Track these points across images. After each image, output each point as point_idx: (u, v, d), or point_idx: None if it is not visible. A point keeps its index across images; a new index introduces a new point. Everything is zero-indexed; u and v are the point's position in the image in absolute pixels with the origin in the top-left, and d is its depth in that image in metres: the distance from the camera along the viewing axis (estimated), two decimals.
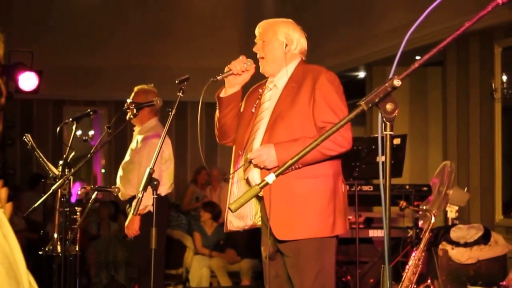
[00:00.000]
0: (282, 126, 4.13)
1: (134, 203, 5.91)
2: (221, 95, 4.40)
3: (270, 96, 4.30)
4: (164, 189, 6.28)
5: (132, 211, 5.94)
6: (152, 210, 6.10)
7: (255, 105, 4.35)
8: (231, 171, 4.32)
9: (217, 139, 4.59)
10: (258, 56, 4.36)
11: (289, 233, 4.12)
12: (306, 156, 3.90)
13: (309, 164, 4.04)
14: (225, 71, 4.28)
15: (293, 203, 4.08)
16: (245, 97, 4.49)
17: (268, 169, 4.02)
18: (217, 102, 4.44)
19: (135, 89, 6.38)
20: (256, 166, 4.10)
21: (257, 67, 4.36)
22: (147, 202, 5.91)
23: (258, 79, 4.50)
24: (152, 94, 6.16)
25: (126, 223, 6.16)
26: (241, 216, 4.31)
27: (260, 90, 4.41)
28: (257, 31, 4.41)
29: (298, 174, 4.05)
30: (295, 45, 4.32)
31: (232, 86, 4.36)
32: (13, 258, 1.48)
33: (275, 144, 4.01)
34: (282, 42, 4.29)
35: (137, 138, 6.34)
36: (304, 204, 4.08)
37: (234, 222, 4.33)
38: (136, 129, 6.44)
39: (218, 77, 4.22)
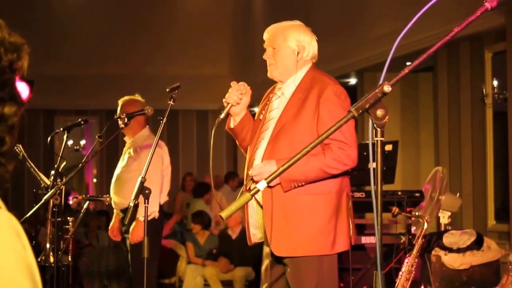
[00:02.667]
0: (285, 140, 4.07)
1: (140, 210, 5.94)
2: (231, 126, 4.34)
3: (278, 104, 4.23)
4: (163, 196, 6.30)
5: (138, 217, 5.97)
6: (156, 217, 6.13)
7: (263, 112, 4.30)
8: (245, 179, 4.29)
9: None
10: (268, 63, 4.26)
11: (288, 249, 4.08)
12: (310, 174, 3.93)
13: (313, 182, 4.00)
14: (224, 106, 4.20)
15: (293, 219, 4.04)
16: (260, 102, 4.43)
17: (270, 187, 3.97)
18: (231, 134, 4.39)
19: (121, 101, 6.33)
20: (257, 182, 4.06)
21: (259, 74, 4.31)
22: (153, 208, 5.95)
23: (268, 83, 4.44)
24: (140, 104, 6.15)
25: (131, 229, 6.14)
26: (261, 228, 4.24)
27: (271, 95, 4.34)
28: (265, 36, 4.30)
29: (299, 191, 4.02)
30: (307, 51, 4.22)
31: (237, 114, 4.30)
32: (35, 270, 1.47)
33: (277, 161, 3.94)
34: (293, 50, 4.19)
35: (132, 148, 6.31)
36: (304, 221, 4.03)
37: (257, 234, 4.27)
38: (128, 139, 6.42)
39: (221, 116, 4.11)
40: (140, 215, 5.99)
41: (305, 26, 4.36)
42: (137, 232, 6.06)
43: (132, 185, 6.25)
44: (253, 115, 4.43)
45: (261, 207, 4.16)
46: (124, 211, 6.32)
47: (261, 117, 4.30)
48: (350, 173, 4.19)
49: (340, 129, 3.96)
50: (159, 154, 6.22)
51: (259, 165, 4.01)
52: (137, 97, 6.36)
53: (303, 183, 3.98)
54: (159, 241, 6.60)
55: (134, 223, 6.10)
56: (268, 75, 4.28)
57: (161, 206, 6.32)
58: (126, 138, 6.47)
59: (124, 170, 6.32)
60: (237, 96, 4.18)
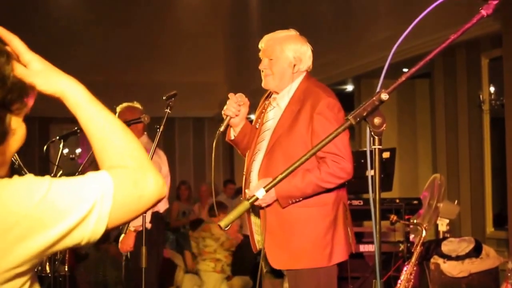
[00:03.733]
0: (280, 153, 4.09)
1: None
2: (232, 137, 4.38)
3: (273, 115, 4.26)
4: (162, 205, 6.28)
5: (126, 227, 5.92)
6: (149, 227, 6.09)
7: (259, 121, 4.32)
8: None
9: None
10: (264, 74, 4.27)
11: (285, 262, 4.11)
12: (306, 189, 3.95)
13: (310, 196, 4.02)
14: (223, 118, 4.24)
15: (289, 232, 4.06)
16: (257, 109, 4.46)
17: (268, 205, 4.04)
18: (232, 144, 4.43)
19: (119, 108, 6.31)
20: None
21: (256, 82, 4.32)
22: (145, 218, 5.91)
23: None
24: (138, 111, 6.13)
25: (121, 238, 6.11)
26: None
27: (267, 102, 4.36)
28: (261, 46, 4.31)
29: (296, 203, 4.05)
30: (304, 62, 4.23)
31: (237, 125, 4.33)
32: None
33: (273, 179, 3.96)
34: (291, 62, 4.20)
35: None
36: (300, 233, 4.05)
37: (262, 240, 4.27)
38: None
39: (221, 129, 4.16)
40: (132, 225, 5.95)
41: (300, 35, 4.36)
42: (127, 242, 6.03)
43: None
44: (251, 121, 4.44)
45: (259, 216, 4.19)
46: None
47: (257, 125, 4.32)
48: (346, 183, 4.19)
49: (334, 141, 3.97)
50: (157, 163, 6.19)
51: (257, 186, 4.04)
52: (135, 104, 6.34)
53: (301, 199, 4.02)
54: (157, 251, 6.54)
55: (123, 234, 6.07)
56: (263, 85, 4.30)
57: (161, 215, 6.29)
58: None
59: None
60: (235, 108, 4.21)
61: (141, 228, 5.94)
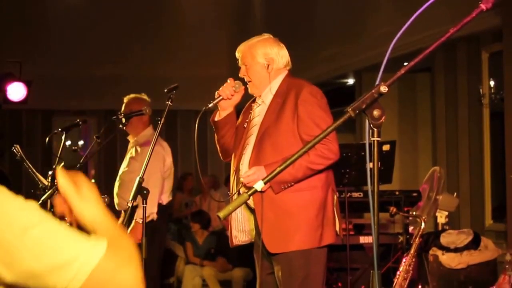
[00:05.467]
0: (268, 143, 4.23)
1: (138, 211, 5.96)
2: (216, 118, 4.53)
3: (259, 111, 4.40)
4: (166, 197, 6.31)
5: (135, 219, 5.98)
6: (154, 219, 6.14)
7: (247, 120, 4.44)
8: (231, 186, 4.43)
9: (221, 158, 4.66)
10: (246, 80, 4.45)
11: (280, 246, 4.21)
12: (297, 173, 4.06)
13: (301, 180, 4.12)
14: (215, 97, 4.36)
15: (282, 217, 4.18)
16: (242, 112, 4.57)
17: (261, 192, 4.08)
18: (213, 126, 4.52)
19: (127, 99, 6.35)
20: (248, 187, 4.15)
21: (247, 88, 4.45)
22: (151, 210, 5.97)
23: (248, 96, 4.56)
24: (144, 103, 6.16)
25: (128, 231, 6.15)
26: (245, 231, 4.38)
27: (253, 105, 4.49)
28: (237, 55, 4.49)
29: (287, 189, 4.16)
30: (277, 61, 4.39)
31: (225, 109, 4.48)
32: None
33: (265, 166, 4.12)
34: (263, 64, 4.37)
35: (134, 148, 6.31)
36: (293, 217, 4.18)
37: (240, 236, 4.40)
38: (131, 139, 6.42)
39: (210, 105, 4.36)
40: (138, 217, 6.00)
41: (273, 38, 4.50)
42: (134, 234, 6.07)
43: (133, 186, 6.28)
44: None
45: (251, 211, 4.26)
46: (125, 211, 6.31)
47: (245, 125, 4.45)
48: (333, 167, 4.31)
49: (318, 125, 4.13)
50: (161, 154, 6.24)
51: (250, 172, 4.16)
52: (143, 96, 6.37)
53: (292, 183, 4.13)
54: (161, 242, 6.60)
55: (131, 226, 6.11)
56: (249, 91, 4.47)
57: (164, 207, 6.32)
58: (129, 137, 6.47)
59: (125, 171, 6.30)
60: (229, 91, 4.37)
61: (147, 220, 6.02)
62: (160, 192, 6.21)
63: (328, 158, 4.12)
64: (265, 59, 4.36)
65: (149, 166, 6.12)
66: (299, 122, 4.18)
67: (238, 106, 4.57)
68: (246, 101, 4.63)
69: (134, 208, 5.88)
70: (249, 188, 4.03)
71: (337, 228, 4.33)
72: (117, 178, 6.39)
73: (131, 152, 6.32)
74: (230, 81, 4.40)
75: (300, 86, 4.27)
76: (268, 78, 4.36)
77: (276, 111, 4.26)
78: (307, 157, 4.08)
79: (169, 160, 6.34)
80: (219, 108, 4.49)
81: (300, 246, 4.17)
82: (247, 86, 4.45)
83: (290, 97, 4.24)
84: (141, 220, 6.03)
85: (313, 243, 4.19)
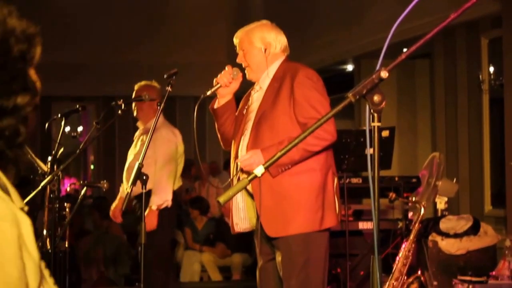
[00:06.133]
0: (265, 126, 4.22)
1: (153, 198, 6.00)
2: (215, 106, 4.52)
3: (257, 97, 4.40)
4: (176, 183, 6.35)
5: (151, 206, 6.06)
6: (169, 206, 6.18)
7: (246, 107, 4.43)
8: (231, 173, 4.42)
9: (222, 147, 4.66)
10: (244, 66, 4.46)
11: (279, 230, 4.18)
12: (294, 156, 4.05)
13: (298, 162, 4.09)
14: (213, 85, 4.36)
15: (281, 200, 4.15)
16: (242, 99, 4.56)
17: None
18: (212, 114, 4.52)
19: (137, 86, 6.35)
20: (246, 172, 4.15)
21: (245, 74, 4.45)
22: (167, 197, 6.01)
23: (248, 84, 4.56)
24: (155, 90, 6.17)
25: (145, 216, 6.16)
26: (246, 218, 4.37)
27: (252, 91, 4.49)
28: (235, 42, 4.49)
29: (284, 172, 4.13)
30: (274, 45, 4.39)
31: (223, 96, 4.47)
32: (33, 263, 1.52)
33: (262, 150, 4.10)
34: (260, 48, 4.37)
35: (144, 135, 6.30)
36: (292, 200, 4.15)
37: (241, 224, 4.38)
38: (141, 125, 6.43)
39: (208, 93, 4.35)
40: (153, 204, 6.04)
41: (271, 23, 4.51)
42: (150, 221, 6.09)
43: (147, 172, 6.25)
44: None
45: (252, 198, 4.25)
46: (139, 198, 6.17)
47: (244, 112, 4.45)
48: (333, 151, 4.30)
49: (314, 107, 4.12)
50: (173, 142, 6.27)
51: (246, 156, 4.14)
52: (153, 83, 6.38)
53: (290, 166, 4.10)
54: (172, 227, 6.68)
55: (146, 211, 6.11)
56: (247, 77, 4.47)
57: (174, 192, 6.34)
58: (139, 124, 6.47)
59: (137, 158, 6.30)
60: (228, 78, 4.36)
61: (163, 207, 6.08)
62: (174, 181, 6.25)
63: (324, 139, 4.09)
64: (262, 44, 4.36)
65: (163, 154, 6.18)
66: (295, 104, 4.16)
67: (239, 94, 4.56)
68: (247, 89, 4.63)
69: (147, 195, 5.91)
70: (248, 172, 4.06)
71: (337, 210, 4.30)
72: (127, 165, 6.38)
73: (141, 139, 6.34)
74: (228, 68, 4.40)
75: (295, 69, 4.27)
76: (265, 63, 4.36)
77: (272, 95, 4.26)
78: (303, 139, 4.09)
79: (181, 148, 6.39)
80: (217, 96, 4.49)
81: (300, 230, 4.14)
82: (245, 72, 4.44)
83: (286, 81, 4.23)
84: (156, 207, 6.08)
85: (313, 226, 4.16)
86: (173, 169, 6.22)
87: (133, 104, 6.32)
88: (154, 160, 6.19)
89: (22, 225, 1.53)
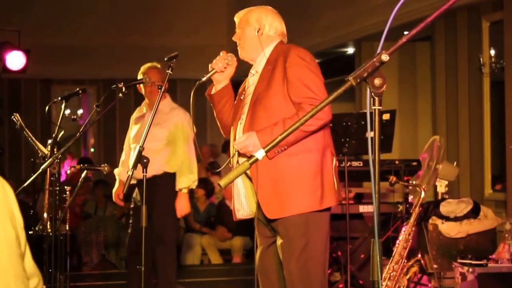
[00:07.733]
0: (261, 108, 4.20)
1: (179, 179, 6.02)
2: (212, 92, 4.49)
3: (253, 81, 4.38)
4: None
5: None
6: (195, 187, 6.26)
7: (243, 93, 4.42)
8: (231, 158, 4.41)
9: (223, 134, 4.65)
10: (237, 44, 4.45)
11: (278, 211, 4.16)
12: (289, 137, 3.98)
13: (294, 143, 4.08)
14: (209, 71, 4.35)
15: (279, 181, 4.13)
16: (241, 86, 4.56)
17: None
18: (210, 101, 4.50)
19: (143, 68, 6.27)
20: (243, 155, 4.15)
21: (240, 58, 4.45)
22: (195, 177, 6.15)
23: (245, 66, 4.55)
24: (160, 72, 6.14)
25: (177, 202, 6.16)
26: (246, 204, 4.37)
27: (248, 77, 4.48)
28: (236, 20, 4.50)
29: (281, 153, 4.11)
30: (268, 28, 4.37)
31: (219, 82, 4.46)
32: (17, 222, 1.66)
33: (257, 132, 4.08)
34: (254, 28, 4.36)
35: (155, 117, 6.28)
36: (290, 181, 4.13)
37: (242, 210, 4.37)
38: (149, 107, 6.36)
39: (203, 79, 4.32)
40: (183, 186, 6.05)
41: (273, 10, 4.51)
42: (184, 205, 6.10)
43: (160, 155, 6.20)
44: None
45: (250, 180, 4.25)
46: (151, 181, 5.85)
47: (241, 97, 4.44)
48: (328, 127, 4.28)
49: (307, 86, 4.10)
50: (191, 124, 6.23)
51: (242, 139, 4.13)
52: (157, 64, 6.32)
53: (286, 147, 4.08)
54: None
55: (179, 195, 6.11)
56: (239, 56, 4.45)
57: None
58: (146, 105, 6.39)
59: (148, 140, 6.27)
60: (222, 64, 4.34)
61: (191, 188, 6.15)
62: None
63: (320, 118, 4.04)
64: (257, 24, 4.36)
65: (187, 134, 6.15)
66: (288, 84, 4.14)
67: (236, 80, 4.54)
68: (244, 77, 4.61)
69: (157, 178, 5.92)
70: (245, 155, 4.06)
71: (336, 190, 4.29)
72: (136, 148, 6.35)
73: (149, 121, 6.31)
74: (222, 53, 4.38)
75: (288, 49, 4.25)
76: (258, 43, 4.35)
77: (267, 77, 4.25)
78: (297, 119, 4.06)
79: (191, 134, 6.37)
80: (214, 82, 4.47)
81: (299, 210, 4.12)
82: (238, 49, 4.44)
83: (279, 62, 4.22)
84: (187, 190, 6.09)
85: (312, 206, 4.13)
86: (194, 151, 6.19)
87: (142, 87, 6.26)
88: (164, 141, 6.16)
89: (8, 192, 1.65)
